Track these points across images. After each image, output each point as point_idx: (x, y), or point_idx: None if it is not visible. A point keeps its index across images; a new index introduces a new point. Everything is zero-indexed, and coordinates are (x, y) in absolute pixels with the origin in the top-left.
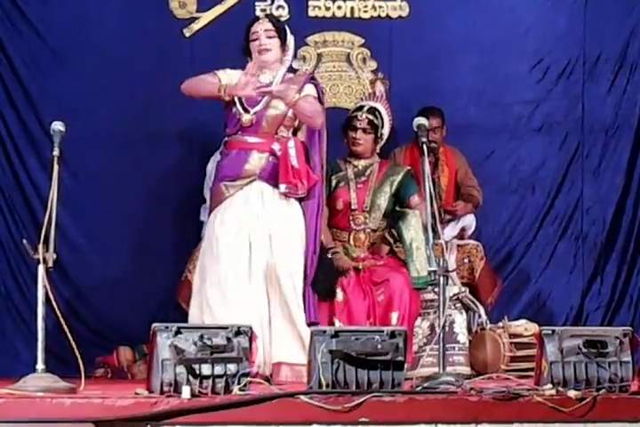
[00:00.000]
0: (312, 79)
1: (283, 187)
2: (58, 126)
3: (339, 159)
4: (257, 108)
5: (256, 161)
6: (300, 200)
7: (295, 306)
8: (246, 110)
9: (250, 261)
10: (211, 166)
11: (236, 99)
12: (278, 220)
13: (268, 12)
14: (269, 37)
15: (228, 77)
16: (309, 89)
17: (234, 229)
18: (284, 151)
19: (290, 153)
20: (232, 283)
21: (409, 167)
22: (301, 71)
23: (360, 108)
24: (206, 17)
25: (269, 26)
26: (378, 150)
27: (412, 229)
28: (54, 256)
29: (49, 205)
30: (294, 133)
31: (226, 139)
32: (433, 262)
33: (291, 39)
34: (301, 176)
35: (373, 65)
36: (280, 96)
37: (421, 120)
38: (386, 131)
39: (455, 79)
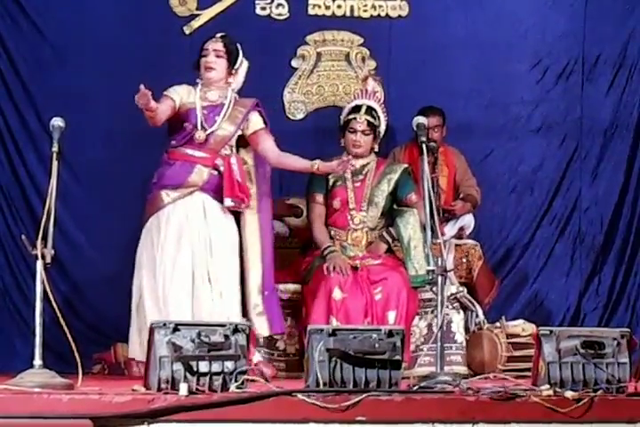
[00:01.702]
0: (257, 105)
1: (228, 200)
2: (57, 122)
3: (335, 158)
4: (212, 129)
5: (199, 174)
6: (238, 214)
7: (236, 315)
8: (202, 127)
9: (193, 270)
10: None
11: (198, 114)
12: (219, 232)
13: (267, 11)
14: (217, 57)
15: (179, 94)
16: (258, 120)
17: (176, 237)
18: (229, 167)
19: (234, 169)
20: (174, 290)
21: (406, 165)
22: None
23: (357, 110)
24: (206, 14)
25: (220, 46)
26: (376, 149)
27: (410, 228)
28: (52, 252)
29: (47, 201)
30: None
31: (168, 149)
32: (431, 262)
33: (242, 64)
34: (245, 191)
35: (373, 64)
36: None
37: (421, 119)
38: (382, 128)
39: (454, 79)
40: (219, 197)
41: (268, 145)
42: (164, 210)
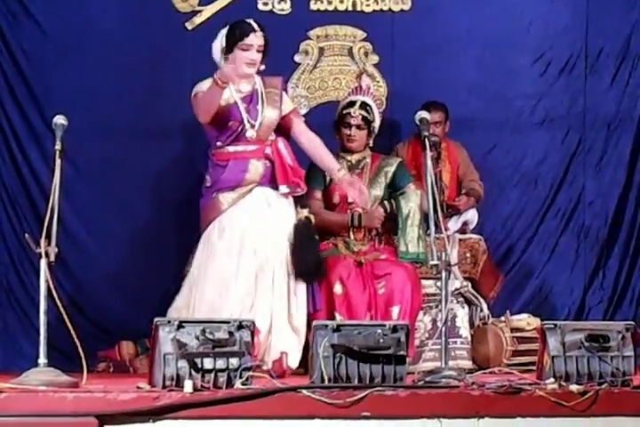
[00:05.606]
0: (284, 83)
1: (284, 187)
2: (60, 120)
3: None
4: (259, 121)
5: (255, 169)
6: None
7: (294, 301)
8: (249, 122)
9: (257, 273)
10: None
11: (241, 109)
12: (284, 221)
13: (269, 6)
14: (259, 52)
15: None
16: (288, 101)
17: (240, 241)
18: (278, 153)
19: (283, 153)
20: (237, 292)
21: (401, 159)
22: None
23: (351, 105)
24: (208, 10)
25: (262, 41)
26: (371, 144)
27: (411, 205)
28: (56, 250)
29: (51, 199)
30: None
31: (214, 151)
32: (435, 256)
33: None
34: (299, 173)
35: (375, 59)
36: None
37: (423, 114)
38: (377, 124)
39: (457, 73)
40: (276, 187)
41: (301, 128)
42: (224, 215)
